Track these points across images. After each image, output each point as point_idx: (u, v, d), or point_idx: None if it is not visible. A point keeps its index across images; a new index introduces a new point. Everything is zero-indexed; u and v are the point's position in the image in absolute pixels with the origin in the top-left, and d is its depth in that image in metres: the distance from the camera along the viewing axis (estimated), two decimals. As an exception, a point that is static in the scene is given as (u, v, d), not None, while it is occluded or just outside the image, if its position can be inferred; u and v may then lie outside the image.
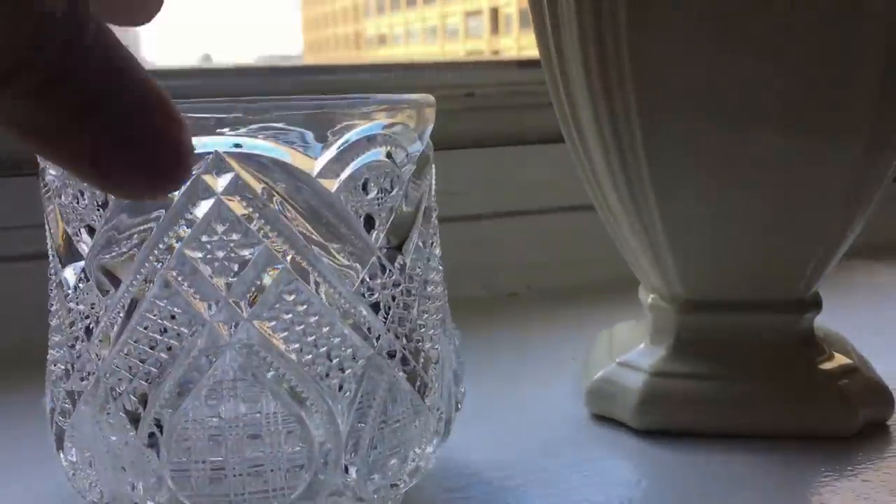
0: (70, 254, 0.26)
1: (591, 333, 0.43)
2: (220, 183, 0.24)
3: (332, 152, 0.25)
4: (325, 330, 0.25)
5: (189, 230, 0.24)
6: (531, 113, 0.56)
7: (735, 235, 0.35)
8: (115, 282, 0.25)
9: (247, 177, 0.24)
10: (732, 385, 0.36)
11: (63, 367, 0.27)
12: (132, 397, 0.25)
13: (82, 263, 0.26)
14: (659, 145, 0.34)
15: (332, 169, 0.25)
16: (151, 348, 0.25)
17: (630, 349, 0.38)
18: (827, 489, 0.31)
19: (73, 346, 0.26)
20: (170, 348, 0.25)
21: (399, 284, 0.27)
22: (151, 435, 0.25)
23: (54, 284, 0.27)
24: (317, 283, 0.25)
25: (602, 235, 0.56)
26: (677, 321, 0.37)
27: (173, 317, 0.24)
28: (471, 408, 0.31)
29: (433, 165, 0.29)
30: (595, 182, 0.37)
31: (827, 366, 0.36)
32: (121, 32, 0.19)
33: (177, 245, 0.24)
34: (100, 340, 0.25)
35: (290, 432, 0.25)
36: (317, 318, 0.25)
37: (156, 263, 0.24)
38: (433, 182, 0.30)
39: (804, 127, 0.33)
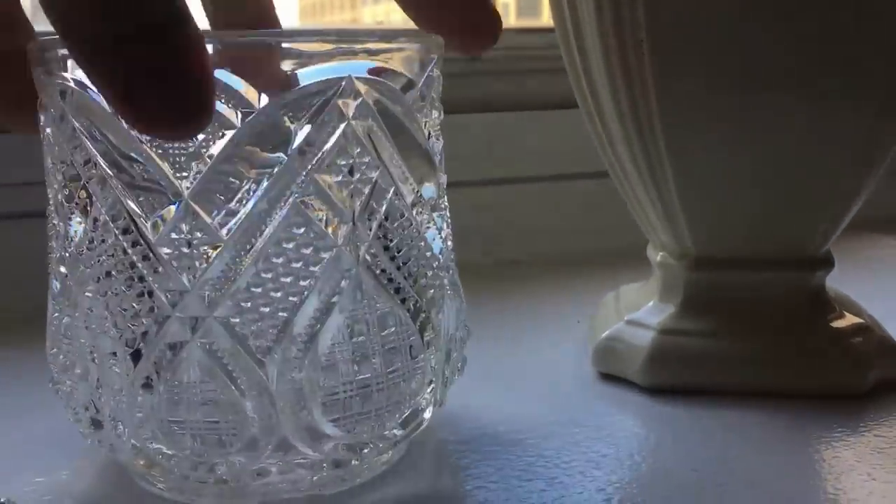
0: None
1: (596, 298, 0.43)
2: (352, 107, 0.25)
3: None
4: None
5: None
6: (535, 78, 0.56)
7: (747, 193, 0.35)
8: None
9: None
10: (742, 342, 0.36)
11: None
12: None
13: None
14: (673, 105, 0.33)
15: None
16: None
17: (638, 308, 0.38)
18: (840, 444, 0.31)
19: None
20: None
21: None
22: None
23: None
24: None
25: (606, 202, 0.56)
26: (687, 278, 0.37)
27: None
28: (475, 369, 0.31)
29: (427, 111, 0.29)
30: (607, 140, 0.37)
31: (839, 324, 0.36)
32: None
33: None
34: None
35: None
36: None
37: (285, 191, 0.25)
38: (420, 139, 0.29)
39: (817, 90, 0.33)
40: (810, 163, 0.34)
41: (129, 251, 0.25)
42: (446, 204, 0.30)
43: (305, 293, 0.26)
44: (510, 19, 0.88)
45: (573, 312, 0.45)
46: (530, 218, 0.56)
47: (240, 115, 0.25)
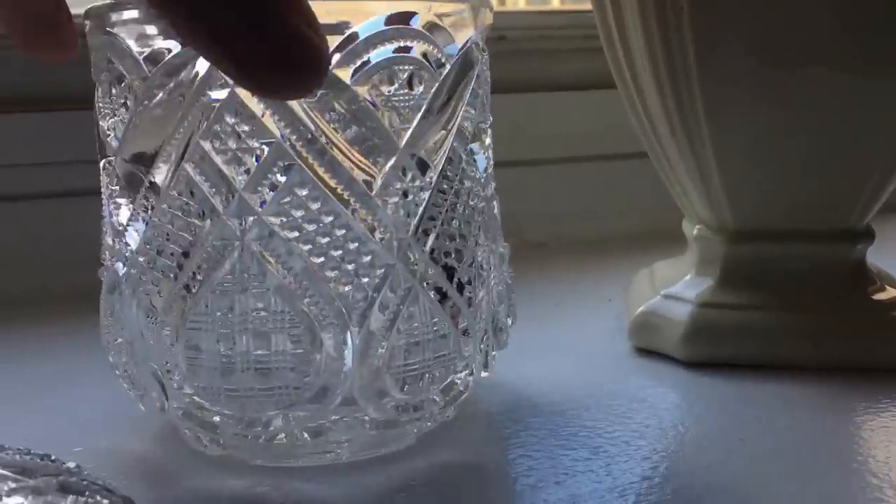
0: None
1: (624, 278, 0.42)
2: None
3: (354, 46, 0.24)
4: (339, 233, 0.24)
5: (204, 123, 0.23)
6: (564, 58, 0.55)
7: (787, 165, 0.34)
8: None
9: None
10: (782, 315, 0.34)
11: (107, 256, 0.27)
12: (152, 286, 0.25)
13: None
14: (714, 77, 0.33)
15: (348, 60, 0.24)
16: (167, 240, 0.24)
17: (674, 282, 0.37)
18: (887, 414, 0.30)
19: (111, 238, 0.26)
20: (183, 242, 0.24)
21: (425, 190, 0.25)
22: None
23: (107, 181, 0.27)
24: (332, 185, 0.24)
25: (632, 184, 0.55)
26: (725, 252, 0.36)
27: (188, 210, 0.24)
28: (511, 344, 0.30)
29: (479, 79, 0.28)
30: (645, 114, 0.36)
31: (880, 296, 0.35)
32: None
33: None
34: (134, 232, 0.25)
35: (297, 336, 0.24)
36: (332, 218, 0.24)
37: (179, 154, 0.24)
38: (487, 99, 0.28)
39: (860, 62, 0.32)
40: (852, 135, 0.33)
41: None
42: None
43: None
44: (521, 3, 0.87)
45: (603, 292, 0.44)
46: (556, 200, 0.55)
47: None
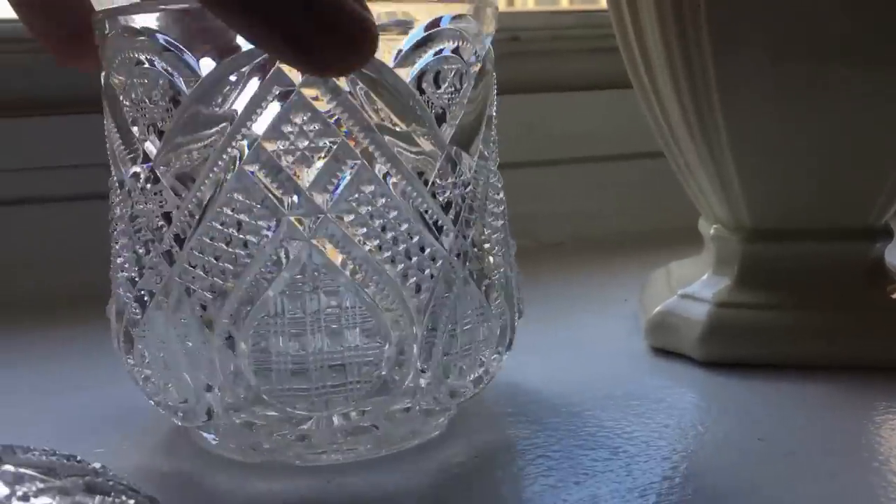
0: (135, 154, 0.26)
1: (640, 278, 0.42)
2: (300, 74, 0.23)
3: (405, 44, 0.24)
4: (403, 227, 0.25)
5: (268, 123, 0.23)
6: (578, 58, 0.55)
7: (805, 164, 0.34)
8: (186, 181, 0.25)
9: None
10: (800, 315, 0.34)
11: (130, 271, 0.26)
12: (207, 295, 0.24)
13: (150, 164, 0.25)
14: (730, 77, 0.33)
15: (408, 59, 0.24)
16: (227, 244, 0.24)
17: (690, 282, 0.37)
18: (908, 414, 0.30)
19: (142, 249, 0.26)
20: (245, 244, 0.24)
21: (468, 185, 0.26)
22: (229, 337, 0.24)
23: (118, 188, 0.26)
24: (393, 181, 0.25)
25: (648, 184, 0.55)
26: (742, 251, 0.36)
27: (251, 211, 0.24)
28: (526, 345, 0.30)
29: (494, 75, 0.28)
30: (661, 113, 0.36)
31: (899, 295, 0.35)
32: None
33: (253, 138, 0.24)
34: (172, 241, 0.25)
35: (368, 330, 0.25)
36: (396, 213, 0.24)
37: (233, 155, 0.24)
38: (494, 93, 0.29)
39: (875, 61, 0.32)
40: (870, 133, 0.33)
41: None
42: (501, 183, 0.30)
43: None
44: (530, 3, 0.87)
45: (619, 292, 0.44)
46: (572, 200, 0.55)
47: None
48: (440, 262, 0.25)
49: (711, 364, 0.34)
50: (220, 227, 0.24)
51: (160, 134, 0.25)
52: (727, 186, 0.35)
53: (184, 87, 0.24)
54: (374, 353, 0.25)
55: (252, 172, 0.24)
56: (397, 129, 0.24)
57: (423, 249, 0.25)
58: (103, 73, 0.26)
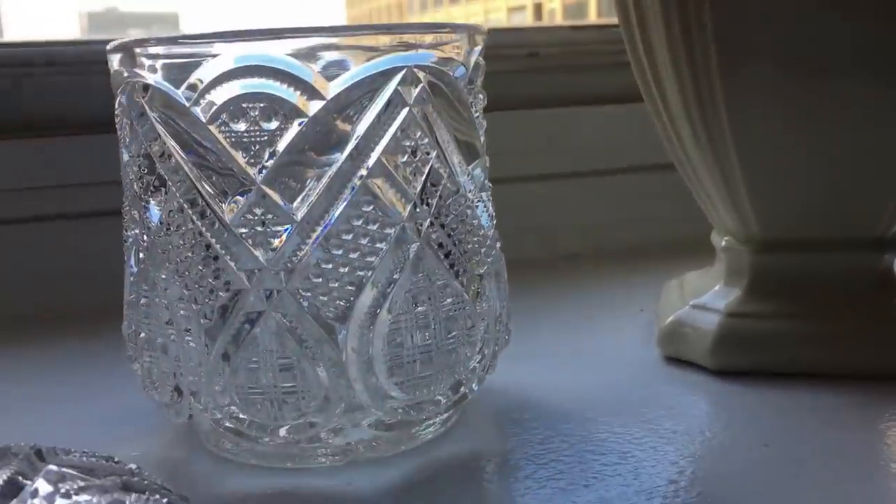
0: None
1: (655, 289, 0.43)
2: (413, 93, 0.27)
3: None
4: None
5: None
6: (594, 74, 0.56)
7: (813, 176, 0.35)
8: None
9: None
10: (811, 324, 0.35)
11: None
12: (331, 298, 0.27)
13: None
14: (738, 91, 0.33)
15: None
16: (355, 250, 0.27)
17: (703, 293, 0.38)
18: (914, 421, 0.30)
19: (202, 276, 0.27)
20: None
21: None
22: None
23: (143, 212, 0.28)
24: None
25: (662, 196, 0.56)
26: (753, 262, 0.37)
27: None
28: (540, 354, 0.32)
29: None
30: (672, 127, 0.37)
31: (908, 305, 0.36)
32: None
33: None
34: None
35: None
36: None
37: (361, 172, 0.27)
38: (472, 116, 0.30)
39: (882, 74, 0.32)
40: (879, 144, 0.34)
41: (206, 233, 0.27)
42: (490, 185, 0.31)
43: (372, 268, 0.26)
44: (558, 18, 0.88)
45: (634, 302, 0.45)
46: (588, 212, 0.56)
47: (310, 106, 0.26)
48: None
49: (722, 373, 0.35)
50: (346, 236, 0.27)
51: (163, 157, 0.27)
52: (736, 198, 0.36)
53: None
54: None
55: (373, 184, 0.26)
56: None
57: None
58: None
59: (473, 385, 0.30)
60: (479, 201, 0.30)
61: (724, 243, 0.38)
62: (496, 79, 0.31)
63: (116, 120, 0.29)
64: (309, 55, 0.26)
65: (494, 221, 0.31)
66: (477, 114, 0.30)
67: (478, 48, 0.30)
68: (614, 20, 0.38)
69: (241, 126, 0.26)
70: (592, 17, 0.86)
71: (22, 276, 0.47)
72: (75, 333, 0.43)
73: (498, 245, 0.31)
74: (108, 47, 0.28)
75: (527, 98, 0.55)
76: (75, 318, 0.44)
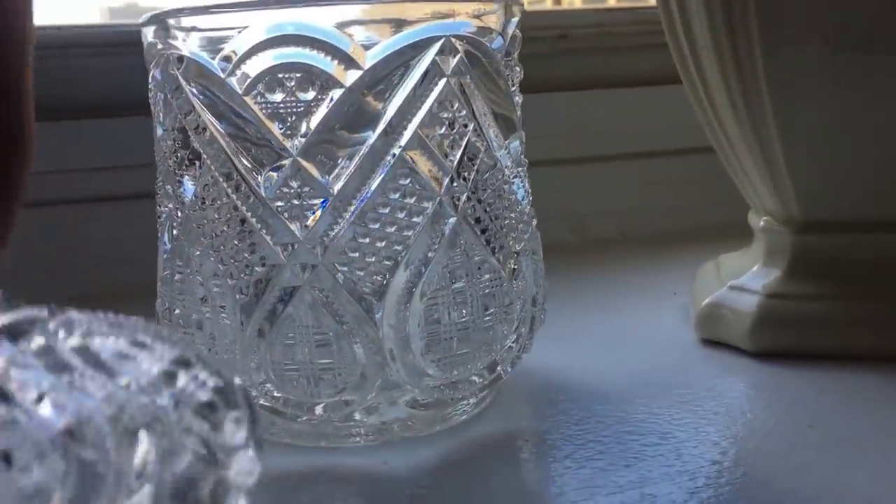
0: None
1: (689, 272, 0.42)
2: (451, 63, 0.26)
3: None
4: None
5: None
6: (624, 56, 0.55)
7: (854, 155, 0.34)
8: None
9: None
10: (851, 305, 0.34)
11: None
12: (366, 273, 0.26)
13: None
14: (780, 70, 0.33)
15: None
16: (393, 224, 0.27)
17: (740, 274, 0.37)
18: (963, 403, 0.30)
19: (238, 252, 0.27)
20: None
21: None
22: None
23: (180, 187, 0.28)
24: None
25: (696, 180, 0.55)
26: (793, 242, 0.36)
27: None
28: (575, 337, 0.31)
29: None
30: (711, 107, 0.36)
31: (953, 286, 0.35)
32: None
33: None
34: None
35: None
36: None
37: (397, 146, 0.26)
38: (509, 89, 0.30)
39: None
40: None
41: (241, 207, 0.26)
42: (526, 160, 0.30)
43: (408, 242, 0.26)
44: (577, 4, 0.88)
45: (668, 285, 0.44)
46: (622, 196, 0.56)
47: (347, 76, 0.25)
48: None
49: (761, 354, 0.34)
50: (382, 210, 0.26)
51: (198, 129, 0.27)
52: (777, 179, 0.35)
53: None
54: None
55: (410, 158, 0.26)
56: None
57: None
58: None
59: (509, 365, 0.29)
60: (515, 176, 0.29)
61: (762, 223, 0.37)
62: (525, 61, 0.30)
63: (150, 95, 0.29)
64: (344, 24, 0.26)
65: (531, 198, 0.30)
66: (513, 87, 0.29)
67: (515, 19, 0.29)
68: (638, 3, 0.38)
69: (278, 97, 0.25)
70: (613, 1, 0.86)
71: (56, 259, 0.46)
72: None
73: (534, 222, 0.30)
74: (140, 19, 0.28)
75: (556, 80, 0.54)
76: (108, 299, 0.44)
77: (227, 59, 0.26)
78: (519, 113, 0.30)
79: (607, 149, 0.56)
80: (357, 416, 0.27)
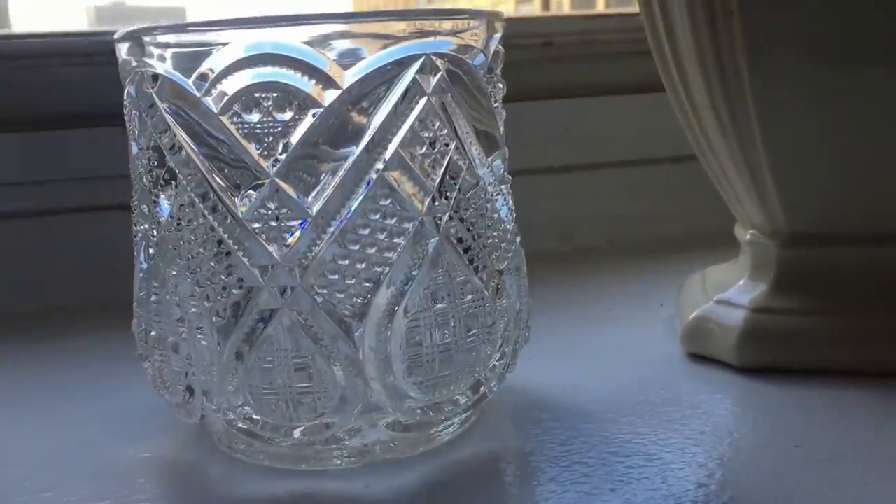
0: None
1: (675, 283, 0.42)
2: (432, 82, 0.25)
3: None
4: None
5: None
6: (610, 63, 0.55)
7: (841, 168, 0.34)
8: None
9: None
10: (837, 320, 0.34)
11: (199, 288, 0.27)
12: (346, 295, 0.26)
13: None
14: (765, 81, 0.32)
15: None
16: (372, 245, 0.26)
17: (726, 288, 0.37)
18: (950, 420, 0.29)
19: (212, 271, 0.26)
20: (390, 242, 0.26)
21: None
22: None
23: (154, 206, 0.27)
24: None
25: (682, 188, 0.55)
26: (779, 256, 0.36)
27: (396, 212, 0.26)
28: (560, 351, 0.31)
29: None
30: (695, 118, 0.36)
31: (940, 300, 0.34)
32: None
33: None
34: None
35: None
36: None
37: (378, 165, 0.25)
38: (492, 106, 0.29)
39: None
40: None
41: (218, 228, 0.26)
42: (510, 177, 0.30)
43: (389, 264, 0.26)
44: (565, 9, 0.88)
45: (654, 296, 0.44)
46: (608, 204, 0.55)
47: (325, 96, 0.25)
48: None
49: (748, 370, 0.34)
50: (362, 231, 0.26)
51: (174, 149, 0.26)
52: (763, 192, 0.35)
53: None
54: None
55: (391, 177, 0.25)
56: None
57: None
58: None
59: (493, 385, 0.29)
60: (498, 194, 0.29)
61: (748, 237, 0.37)
62: (510, 69, 0.30)
63: (125, 111, 0.28)
64: (323, 43, 0.25)
65: (514, 215, 0.30)
66: (496, 103, 0.29)
67: (497, 35, 0.29)
68: (625, 9, 0.37)
69: (254, 117, 0.25)
70: (601, 7, 0.85)
71: (31, 272, 0.46)
72: (85, 330, 0.42)
73: (518, 239, 0.30)
74: (115, 36, 0.28)
75: (542, 88, 0.54)
76: (84, 315, 0.43)
77: (203, 77, 0.25)
78: (502, 129, 0.30)
79: (593, 157, 0.55)
80: (338, 439, 0.27)
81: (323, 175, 0.25)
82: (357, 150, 0.25)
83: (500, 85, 0.29)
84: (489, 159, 0.28)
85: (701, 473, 0.26)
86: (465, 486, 0.27)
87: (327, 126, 0.25)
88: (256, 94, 0.25)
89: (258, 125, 0.25)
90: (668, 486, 0.26)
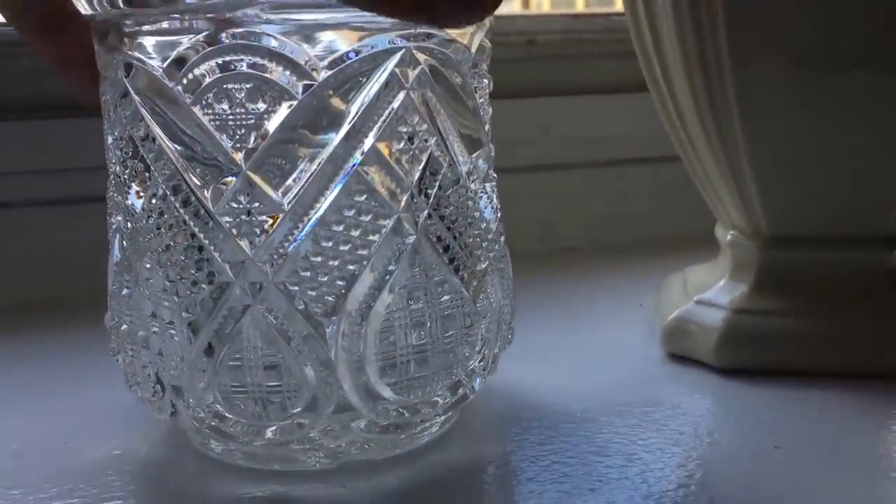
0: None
1: (655, 283, 0.42)
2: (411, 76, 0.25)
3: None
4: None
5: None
6: (593, 62, 0.55)
7: (823, 171, 0.34)
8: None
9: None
10: (818, 322, 0.34)
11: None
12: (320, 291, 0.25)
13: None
14: (749, 85, 0.32)
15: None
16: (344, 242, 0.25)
17: (706, 288, 0.37)
18: (929, 422, 0.29)
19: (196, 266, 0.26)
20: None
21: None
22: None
23: (126, 198, 0.27)
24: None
25: (663, 188, 0.55)
26: (760, 257, 0.35)
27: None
28: (541, 351, 0.30)
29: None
30: (679, 119, 0.36)
31: (918, 303, 0.34)
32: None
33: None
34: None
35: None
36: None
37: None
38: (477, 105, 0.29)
39: (893, 70, 0.31)
40: (890, 140, 0.33)
41: (189, 221, 0.25)
42: (495, 175, 0.29)
43: (364, 261, 0.25)
44: (545, 6, 0.88)
45: (634, 296, 0.43)
46: (588, 204, 0.55)
47: (300, 87, 0.24)
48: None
49: (727, 371, 0.34)
50: (337, 227, 0.25)
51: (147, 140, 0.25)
52: (744, 193, 0.35)
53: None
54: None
55: (367, 173, 0.25)
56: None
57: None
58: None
59: (473, 386, 0.28)
60: (482, 192, 0.28)
61: (729, 238, 0.37)
62: (493, 66, 0.29)
63: (101, 101, 0.28)
64: (299, 33, 0.24)
65: (499, 214, 0.29)
66: (481, 100, 0.28)
67: (483, 29, 0.28)
68: (605, 9, 0.37)
69: (226, 107, 0.24)
70: (580, 7, 0.85)
71: (3, 265, 0.45)
72: (59, 324, 0.41)
73: (502, 239, 0.30)
74: (91, 23, 0.27)
75: (524, 86, 0.53)
76: (58, 308, 0.42)
77: (176, 65, 0.25)
78: (487, 127, 0.29)
79: (575, 156, 0.55)
80: (311, 439, 0.26)
81: (298, 165, 0.25)
82: (333, 143, 0.25)
83: (486, 80, 0.29)
84: (472, 156, 0.28)
85: (681, 474, 0.26)
86: (444, 486, 0.26)
87: (300, 118, 0.24)
88: (229, 85, 0.24)
89: (231, 116, 0.24)
90: (648, 486, 0.25)
